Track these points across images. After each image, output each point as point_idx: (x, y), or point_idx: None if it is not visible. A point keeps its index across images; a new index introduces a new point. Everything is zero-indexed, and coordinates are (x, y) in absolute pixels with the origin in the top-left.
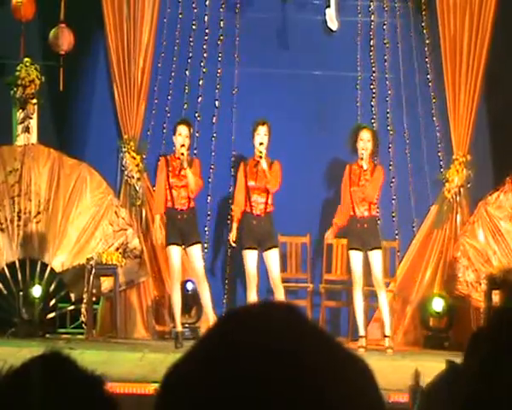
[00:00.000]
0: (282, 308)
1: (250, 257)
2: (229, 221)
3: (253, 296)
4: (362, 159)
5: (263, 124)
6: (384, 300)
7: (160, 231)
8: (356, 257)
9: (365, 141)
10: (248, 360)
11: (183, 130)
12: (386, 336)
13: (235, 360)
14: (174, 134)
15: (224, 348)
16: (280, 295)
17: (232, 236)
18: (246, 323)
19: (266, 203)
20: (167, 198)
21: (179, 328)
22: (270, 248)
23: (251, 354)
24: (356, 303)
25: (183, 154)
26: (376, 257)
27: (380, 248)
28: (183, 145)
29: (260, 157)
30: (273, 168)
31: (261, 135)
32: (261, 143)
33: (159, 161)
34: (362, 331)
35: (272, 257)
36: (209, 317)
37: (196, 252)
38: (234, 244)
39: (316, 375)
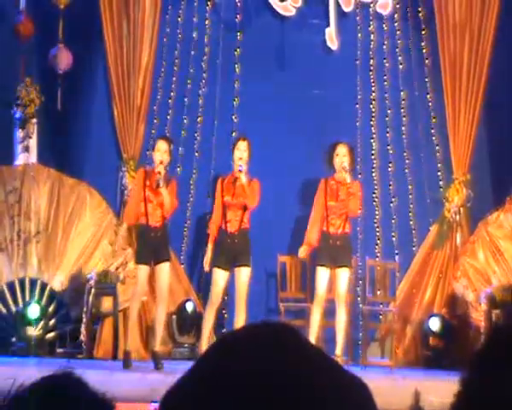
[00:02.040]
0: (279, 329)
1: (219, 276)
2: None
3: (211, 315)
4: (346, 171)
5: (243, 139)
6: (342, 318)
7: (125, 242)
8: (322, 274)
9: (341, 156)
10: (244, 382)
11: (161, 145)
12: (336, 355)
13: (230, 383)
14: (153, 150)
15: (220, 372)
16: (241, 317)
17: (206, 258)
18: (242, 345)
19: (241, 221)
20: (142, 213)
21: (128, 347)
22: (241, 266)
23: (247, 377)
24: (313, 320)
25: (159, 172)
26: (343, 275)
27: (348, 266)
28: (161, 162)
29: (240, 171)
30: (252, 185)
31: (241, 150)
32: (240, 158)
33: (137, 172)
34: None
35: (242, 275)
36: (157, 336)
37: (164, 269)
38: (207, 268)
39: (313, 395)
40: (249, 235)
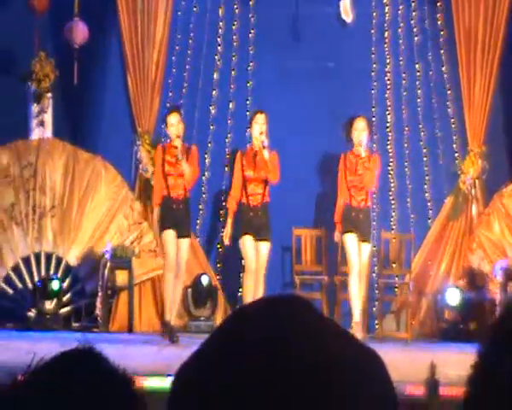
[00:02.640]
0: (290, 302)
1: (248, 244)
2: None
3: (250, 282)
4: (360, 146)
5: (261, 112)
6: (356, 290)
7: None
8: (351, 240)
9: (360, 130)
10: (256, 355)
11: (173, 119)
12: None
13: (244, 356)
14: (166, 126)
15: (233, 345)
16: (259, 290)
17: (226, 232)
18: (257, 316)
19: (263, 194)
20: (164, 187)
21: (171, 321)
22: (261, 240)
23: (259, 350)
24: (352, 290)
25: (176, 147)
26: (365, 250)
27: (369, 241)
28: (178, 136)
29: (264, 147)
30: (272, 159)
31: (260, 124)
32: (261, 133)
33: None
34: (357, 318)
35: (262, 249)
36: (173, 312)
37: (184, 245)
38: (227, 242)
39: (325, 366)
40: (269, 209)
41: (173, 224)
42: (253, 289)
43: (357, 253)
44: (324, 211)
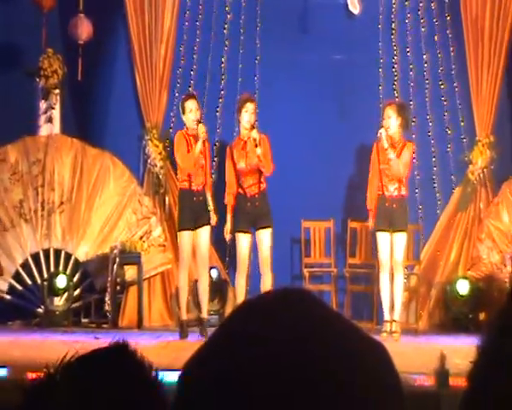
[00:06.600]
0: (297, 295)
1: (242, 241)
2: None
3: (242, 282)
4: (381, 137)
5: (251, 101)
6: (400, 284)
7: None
8: (383, 239)
9: (386, 119)
10: (263, 350)
11: (192, 104)
12: (394, 321)
13: (250, 350)
14: (184, 113)
15: (240, 339)
16: (267, 280)
17: (226, 228)
18: (260, 312)
19: (259, 182)
20: (185, 178)
21: (184, 317)
22: (262, 228)
23: (265, 345)
24: (382, 287)
25: (203, 132)
26: (400, 240)
27: (404, 230)
28: (198, 121)
29: (256, 146)
30: (263, 149)
31: (249, 113)
32: (252, 126)
33: (175, 136)
34: (387, 316)
35: (263, 237)
36: (203, 305)
37: (204, 235)
38: (228, 236)
39: (331, 359)
40: (268, 195)
41: (193, 218)
42: (245, 289)
43: (389, 251)
44: (333, 202)
